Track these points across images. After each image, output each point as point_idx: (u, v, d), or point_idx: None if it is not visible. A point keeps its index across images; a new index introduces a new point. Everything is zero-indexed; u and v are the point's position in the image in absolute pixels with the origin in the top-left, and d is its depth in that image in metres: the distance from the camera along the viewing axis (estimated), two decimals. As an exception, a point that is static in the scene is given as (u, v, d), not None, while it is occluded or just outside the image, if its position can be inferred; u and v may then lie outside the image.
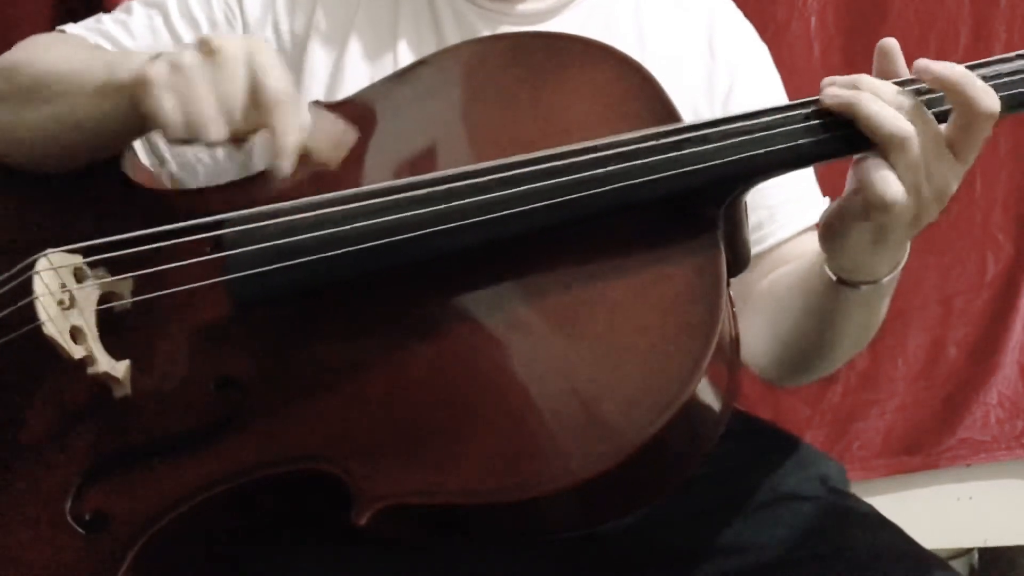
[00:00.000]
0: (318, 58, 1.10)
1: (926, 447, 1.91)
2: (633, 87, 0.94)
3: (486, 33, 1.08)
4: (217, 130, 0.85)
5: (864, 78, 0.86)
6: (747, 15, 1.22)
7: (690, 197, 0.87)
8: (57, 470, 0.91)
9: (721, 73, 1.15)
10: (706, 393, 0.85)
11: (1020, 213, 1.85)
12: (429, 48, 1.08)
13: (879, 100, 0.84)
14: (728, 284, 0.88)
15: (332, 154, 0.92)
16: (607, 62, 0.96)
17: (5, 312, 0.91)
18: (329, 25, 1.11)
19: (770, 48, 1.22)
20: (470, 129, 0.97)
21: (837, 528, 1.00)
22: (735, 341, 0.90)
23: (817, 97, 0.87)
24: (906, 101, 0.85)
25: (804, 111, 0.87)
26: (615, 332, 0.86)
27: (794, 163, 0.89)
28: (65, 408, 0.92)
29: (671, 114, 0.92)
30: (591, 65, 0.96)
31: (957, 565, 1.99)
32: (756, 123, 0.87)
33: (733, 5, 1.22)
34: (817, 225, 0.96)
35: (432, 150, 0.96)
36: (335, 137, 0.92)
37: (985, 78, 0.85)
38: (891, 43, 0.88)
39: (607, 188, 0.86)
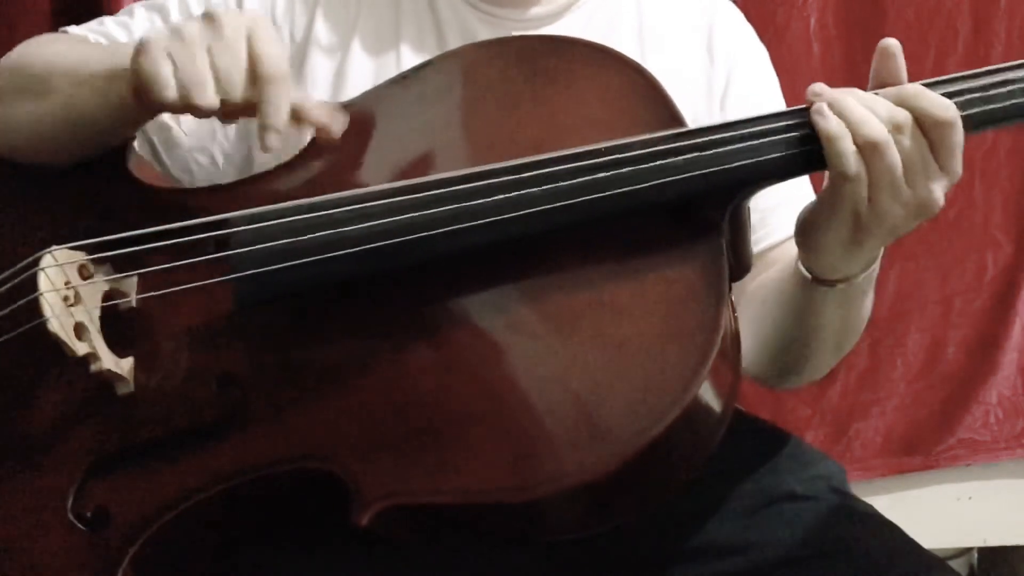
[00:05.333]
0: (320, 62, 1.10)
1: (926, 447, 1.90)
2: (638, 91, 0.94)
3: (487, 38, 1.08)
4: (209, 95, 0.86)
5: (849, 102, 0.86)
6: (747, 15, 1.22)
7: (694, 201, 0.87)
8: (59, 467, 0.91)
9: (719, 74, 1.15)
10: (708, 396, 0.85)
11: (1019, 214, 1.86)
12: (431, 52, 1.08)
13: (849, 138, 0.85)
14: (730, 288, 0.88)
15: (325, 130, 0.93)
16: (612, 66, 0.96)
17: (10, 308, 0.92)
18: (330, 29, 1.11)
19: (770, 48, 1.22)
20: (475, 132, 0.97)
21: (837, 528, 1.00)
22: (736, 344, 0.90)
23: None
24: (899, 115, 0.86)
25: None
26: (618, 335, 0.86)
27: (801, 168, 0.89)
28: (68, 405, 0.92)
29: (675, 118, 0.92)
30: (596, 69, 0.96)
31: (957, 565, 1.99)
32: (762, 128, 0.87)
33: (733, 7, 1.22)
34: None
35: (436, 152, 0.96)
36: (328, 114, 0.93)
37: (949, 95, 0.86)
38: (894, 44, 0.88)
39: (612, 192, 0.86)
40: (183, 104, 0.87)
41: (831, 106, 0.86)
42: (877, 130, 0.85)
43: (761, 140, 0.87)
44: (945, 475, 1.92)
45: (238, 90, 0.87)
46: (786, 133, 0.87)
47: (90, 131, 0.97)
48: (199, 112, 0.88)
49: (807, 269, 0.95)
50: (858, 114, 0.85)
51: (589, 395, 0.85)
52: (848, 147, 0.85)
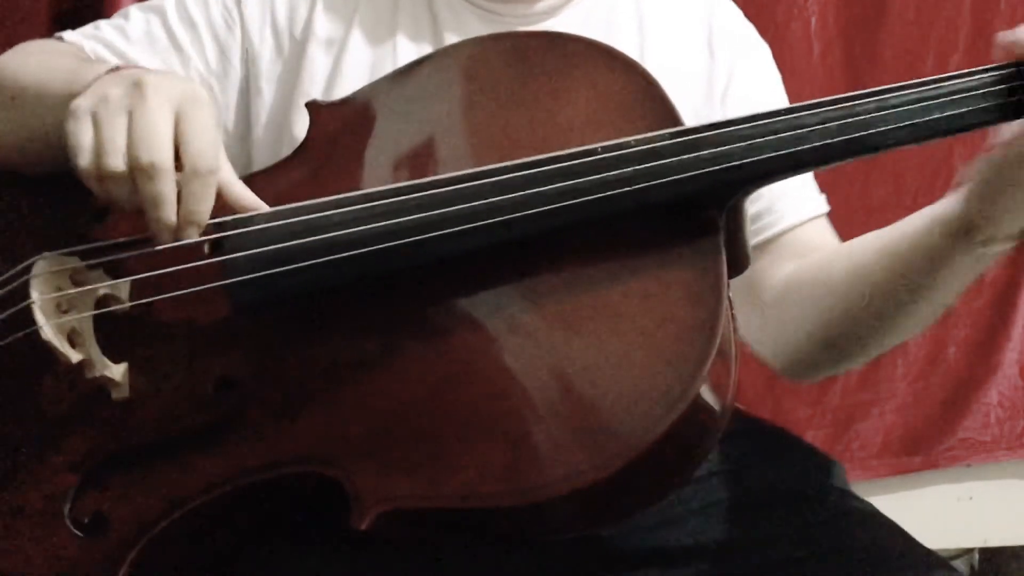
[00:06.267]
0: (317, 58, 1.10)
1: (926, 447, 1.91)
2: (635, 89, 0.94)
3: (484, 32, 1.08)
4: (115, 160, 0.83)
5: None
6: (747, 15, 1.22)
7: (693, 200, 0.87)
8: (56, 473, 0.91)
9: (719, 71, 1.14)
10: (707, 396, 0.85)
11: (1020, 213, 1.86)
12: (428, 47, 1.08)
13: None
14: (728, 287, 0.88)
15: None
16: (609, 63, 0.95)
17: (2, 316, 0.91)
18: (328, 26, 1.10)
19: (770, 48, 1.22)
20: (471, 130, 0.97)
21: (838, 527, 0.99)
22: (735, 344, 0.90)
23: (828, 98, 0.87)
24: None
25: (814, 113, 0.87)
26: (617, 336, 0.85)
27: (800, 167, 0.89)
28: (64, 411, 0.92)
29: (672, 116, 0.92)
30: (593, 66, 0.95)
31: (957, 565, 1.99)
32: (764, 125, 0.87)
33: (733, 4, 1.22)
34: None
35: (433, 152, 0.96)
36: (251, 204, 0.90)
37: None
38: None
39: (609, 193, 0.86)
40: (96, 171, 0.84)
41: None
42: None
43: (765, 138, 0.87)
44: (945, 475, 1.93)
45: (148, 157, 0.82)
46: (793, 130, 0.87)
47: (54, 150, 0.93)
48: (110, 185, 0.84)
49: (980, 224, 0.93)
50: None
51: (589, 396, 0.85)
52: None
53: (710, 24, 1.16)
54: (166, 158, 0.83)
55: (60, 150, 0.89)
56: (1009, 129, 0.89)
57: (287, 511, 0.93)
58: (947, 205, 0.95)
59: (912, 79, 0.88)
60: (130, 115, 0.83)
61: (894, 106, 0.87)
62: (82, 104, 0.85)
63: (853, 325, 1.03)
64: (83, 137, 0.84)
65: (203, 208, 0.85)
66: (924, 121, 0.87)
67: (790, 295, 1.07)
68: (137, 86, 0.84)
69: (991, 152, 0.91)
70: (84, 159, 0.84)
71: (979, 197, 0.92)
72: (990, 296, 1.88)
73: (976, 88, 0.87)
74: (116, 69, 0.89)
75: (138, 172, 0.83)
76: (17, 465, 0.92)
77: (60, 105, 0.88)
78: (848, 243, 1.08)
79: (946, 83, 0.87)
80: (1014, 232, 0.93)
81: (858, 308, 1.02)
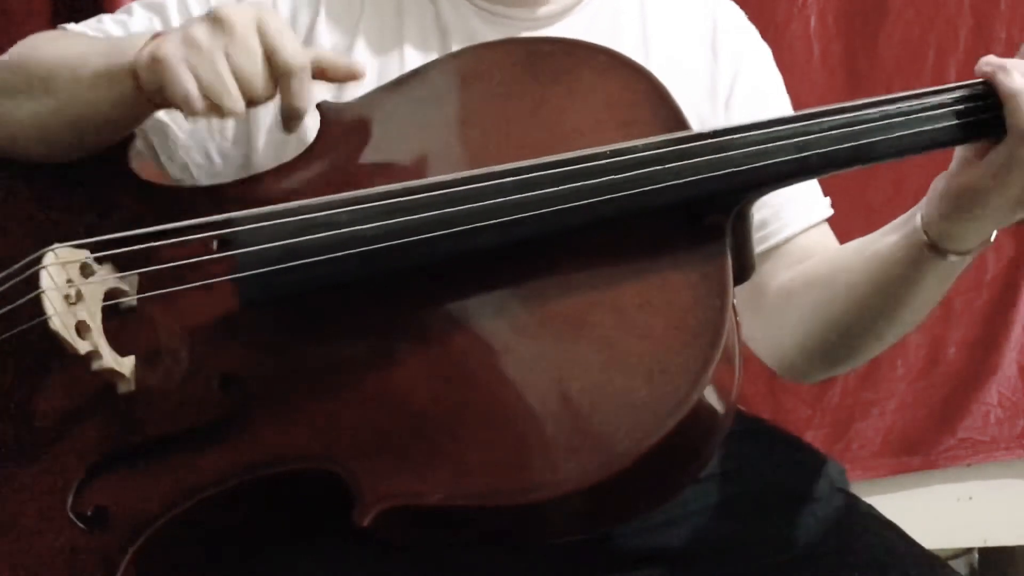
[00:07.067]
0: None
1: (926, 447, 1.91)
2: (642, 94, 0.94)
3: (490, 37, 1.08)
4: (236, 100, 0.87)
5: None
6: (747, 15, 1.23)
7: (700, 205, 0.87)
8: (59, 465, 0.91)
9: (723, 75, 1.15)
10: (711, 400, 0.85)
11: (1020, 213, 1.86)
12: (434, 52, 1.08)
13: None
14: (733, 293, 0.88)
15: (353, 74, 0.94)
16: (617, 68, 0.96)
17: (12, 306, 0.92)
18: (333, 31, 1.10)
19: (770, 48, 1.22)
20: (479, 132, 0.97)
21: (838, 527, 1.00)
22: (737, 348, 0.90)
23: (832, 106, 0.88)
24: None
25: (819, 121, 0.88)
26: (621, 339, 0.86)
27: (805, 173, 0.90)
28: (69, 403, 0.92)
29: (679, 121, 0.92)
30: (600, 71, 0.96)
31: (957, 565, 1.99)
32: (769, 132, 0.88)
33: (736, 7, 1.22)
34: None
35: (442, 153, 0.96)
36: (347, 62, 0.94)
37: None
38: None
39: (620, 194, 0.86)
40: (209, 112, 0.88)
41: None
42: None
43: (774, 143, 0.87)
44: (945, 475, 1.93)
45: (260, 88, 0.87)
46: (801, 136, 0.87)
47: (90, 129, 0.96)
48: (225, 115, 0.89)
49: (941, 240, 0.94)
50: None
51: (591, 399, 0.85)
52: None
53: (713, 26, 1.17)
54: (270, 87, 0.88)
55: (103, 124, 0.92)
56: (964, 151, 0.91)
57: (289, 509, 0.93)
58: (910, 219, 0.96)
59: (912, 79, 0.89)
60: (227, 53, 0.86)
61: (899, 115, 0.88)
62: (171, 52, 0.87)
63: (843, 329, 1.04)
64: (188, 84, 0.86)
65: (304, 103, 0.89)
66: (932, 129, 0.88)
67: (787, 300, 1.08)
68: (218, 22, 0.87)
69: (949, 172, 0.92)
70: (197, 104, 0.87)
71: (938, 214, 0.93)
72: (990, 296, 1.88)
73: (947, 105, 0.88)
74: (159, 35, 0.91)
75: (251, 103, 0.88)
76: (21, 457, 0.92)
77: (102, 79, 0.91)
78: (838, 249, 1.09)
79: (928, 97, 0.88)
80: (974, 246, 0.94)
81: (845, 313, 1.02)
